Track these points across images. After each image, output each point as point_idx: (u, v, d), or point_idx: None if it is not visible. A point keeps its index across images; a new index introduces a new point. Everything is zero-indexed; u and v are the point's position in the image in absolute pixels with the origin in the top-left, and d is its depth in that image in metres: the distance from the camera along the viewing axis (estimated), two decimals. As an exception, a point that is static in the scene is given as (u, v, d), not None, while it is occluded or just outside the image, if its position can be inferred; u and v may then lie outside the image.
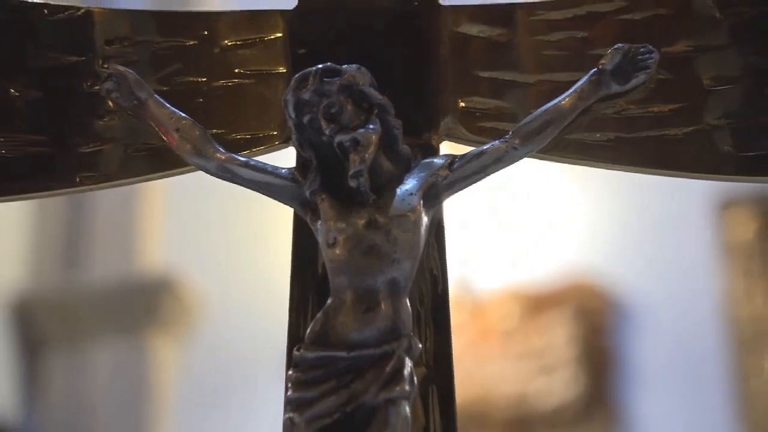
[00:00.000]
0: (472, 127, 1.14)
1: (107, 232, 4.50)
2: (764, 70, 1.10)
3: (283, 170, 1.10)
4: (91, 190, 1.15)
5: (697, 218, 4.11)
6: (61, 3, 1.17)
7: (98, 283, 4.45)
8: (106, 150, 1.13)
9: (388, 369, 1.02)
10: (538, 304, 4.15)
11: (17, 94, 1.14)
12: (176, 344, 4.38)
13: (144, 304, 4.37)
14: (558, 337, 4.10)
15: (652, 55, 1.10)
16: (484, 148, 1.10)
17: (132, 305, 4.38)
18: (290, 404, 1.03)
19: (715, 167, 1.10)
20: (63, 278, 4.50)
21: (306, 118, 1.06)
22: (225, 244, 4.39)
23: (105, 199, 4.39)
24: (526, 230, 4.21)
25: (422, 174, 1.08)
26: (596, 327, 4.11)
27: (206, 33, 1.17)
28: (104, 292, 4.42)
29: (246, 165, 1.10)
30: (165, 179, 1.18)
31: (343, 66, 1.06)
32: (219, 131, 1.13)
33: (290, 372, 1.04)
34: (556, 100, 1.10)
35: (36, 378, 4.34)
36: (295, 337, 1.08)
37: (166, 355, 4.37)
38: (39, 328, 4.38)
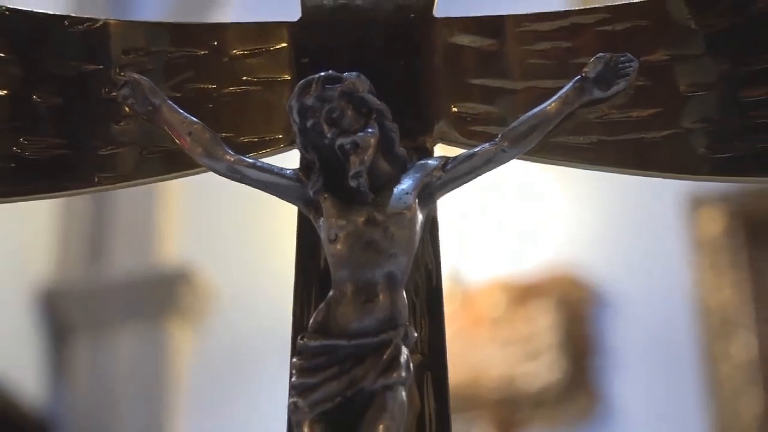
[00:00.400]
0: (464, 130, 1.13)
1: (128, 228, 4.52)
2: (737, 77, 1.09)
3: (288, 171, 1.09)
4: (108, 189, 1.14)
5: (670, 216, 4.11)
6: (80, 15, 1.16)
7: (120, 275, 4.46)
8: (123, 152, 1.13)
9: (385, 356, 1.01)
10: (523, 295, 4.15)
11: (40, 100, 1.13)
12: (192, 331, 4.39)
13: (162, 295, 4.38)
14: (542, 325, 4.10)
15: (632, 64, 1.09)
16: (475, 150, 1.09)
17: (151, 295, 4.39)
18: (294, 389, 1.02)
19: (692, 168, 1.09)
20: (88, 270, 4.51)
21: (309, 123, 1.05)
22: (236, 240, 4.39)
23: (126, 197, 4.40)
24: (513, 227, 4.21)
25: (417, 174, 1.08)
26: (577, 315, 4.11)
27: (216, 43, 1.16)
28: (126, 283, 4.43)
29: (253, 166, 1.09)
30: (181, 179, 1.17)
31: (344, 74, 1.06)
32: (228, 134, 1.12)
33: (294, 359, 1.03)
34: (542, 106, 1.09)
35: (63, 363, 4.35)
36: (299, 327, 1.07)
37: (183, 341, 4.37)
38: (65, 316, 4.39)
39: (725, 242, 4.08)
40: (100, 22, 1.15)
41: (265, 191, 1.10)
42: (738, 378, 3.93)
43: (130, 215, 4.51)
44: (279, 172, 1.08)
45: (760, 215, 4.10)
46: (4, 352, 4.08)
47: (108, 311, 4.40)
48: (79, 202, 4.41)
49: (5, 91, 1.13)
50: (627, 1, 1.13)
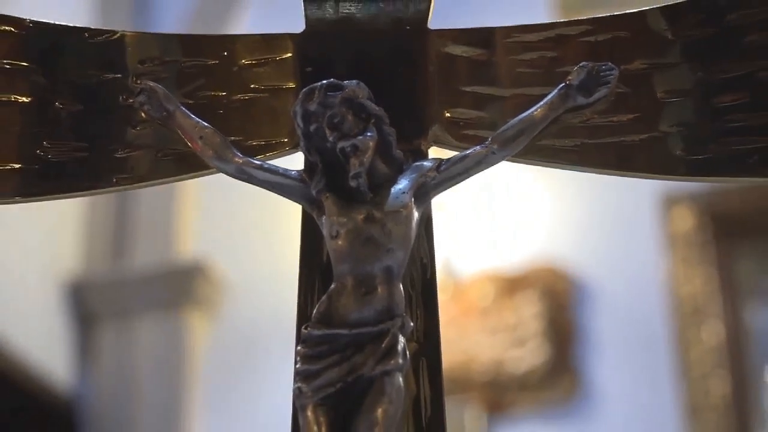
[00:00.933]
0: (456, 134, 1.11)
1: (149, 224, 4.51)
2: (711, 84, 1.08)
3: (293, 172, 1.07)
4: (126, 190, 1.13)
5: (645, 214, 4.11)
6: (105, 25, 1.14)
7: (141, 268, 4.46)
8: (139, 155, 1.11)
9: (384, 345, 1.00)
10: (510, 286, 4.15)
11: (62, 106, 1.11)
12: (207, 320, 4.39)
13: (180, 286, 4.37)
14: (527, 314, 4.09)
15: (613, 72, 1.08)
16: (467, 152, 1.08)
17: (170, 287, 4.39)
18: (298, 375, 1.00)
19: (669, 169, 1.08)
20: (111, 264, 4.51)
21: (312, 127, 1.04)
22: (247, 236, 4.39)
23: (147, 196, 4.40)
24: (501, 224, 4.20)
25: (413, 175, 1.06)
26: (560, 305, 4.10)
27: (225, 53, 1.14)
28: (146, 276, 4.43)
29: (260, 168, 1.07)
30: (197, 180, 1.15)
31: (345, 82, 1.05)
32: (237, 138, 1.10)
33: (299, 347, 1.02)
34: (529, 111, 1.08)
35: (88, 349, 4.34)
36: (303, 317, 1.06)
37: (198, 329, 4.37)
38: (91, 306, 4.38)
39: (695, 238, 4.08)
40: (118, 34, 1.14)
41: (272, 191, 1.08)
42: (707, 362, 3.92)
43: (150, 213, 4.50)
44: (284, 173, 1.07)
45: (727, 213, 4.10)
46: (35, 339, 4.08)
47: (130, 302, 4.40)
48: (103, 201, 4.41)
49: (29, 98, 1.11)
50: (609, 14, 1.11)
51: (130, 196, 4.38)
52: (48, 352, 4.17)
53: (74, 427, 4.19)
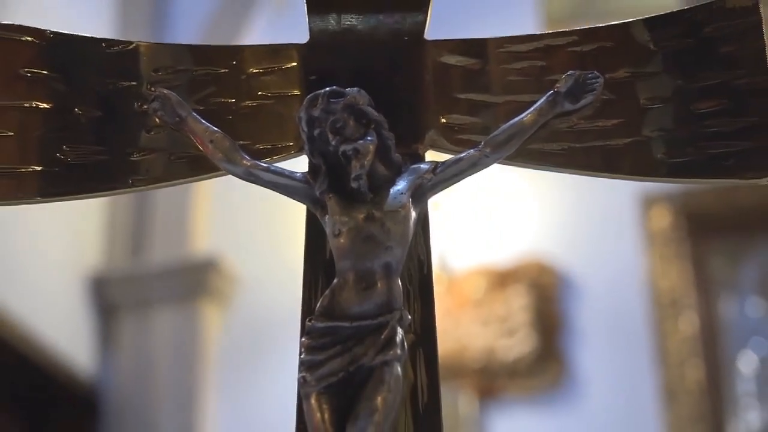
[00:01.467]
0: (451, 139, 1.10)
1: (165, 223, 4.50)
2: (690, 92, 1.06)
3: (298, 174, 1.06)
4: (141, 190, 1.11)
5: (626, 212, 4.09)
6: (124, 35, 1.12)
7: (158, 263, 4.45)
8: (153, 158, 1.09)
9: (383, 336, 0.99)
10: (501, 280, 4.13)
11: (81, 112, 1.10)
12: (219, 311, 4.37)
13: (194, 280, 4.36)
14: (516, 306, 4.07)
15: (598, 80, 1.07)
16: (462, 155, 1.06)
17: (185, 281, 4.37)
18: (303, 365, 0.99)
19: (651, 171, 1.07)
20: (131, 259, 4.49)
21: (316, 132, 1.03)
22: (256, 234, 4.37)
23: (163, 196, 4.39)
24: (492, 222, 4.19)
25: (411, 177, 1.05)
26: (547, 298, 4.09)
27: (234, 63, 1.13)
28: (163, 270, 4.41)
29: (267, 170, 1.06)
30: (209, 181, 1.14)
31: (346, 89, 1.03)
32: (245, 142, 1.09)
33: (303, 339, 1.00)
34: (519, 117, 1.07)
35: (110, 339, 4.33)
36: (307, 310, 1.04)
37: (212, 320, 4.35)
38: (112, 298, 4.37)
39: (672, 236, 4.07)
40: (133, 44, 1.12)
41: (278, 192, 1.07)
42: (683, 350, 3.91)
43: (167, 212, 4.49)
44: (290, 175, 1.06)
45: (701, 212, 4.09)
46: (60, 329, 4.07)
47: (148, 294, 4.38)
48: (123, 200, 4.39)
49: (50, 105, 1.09)
50: (594, 26, 1.09)
51: (148, 196, 4.37)
52: (72, 341, 4.16)
53: (97, 410, 4.18)
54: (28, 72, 1.09)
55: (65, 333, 4.13)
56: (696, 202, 4.07)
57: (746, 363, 3.94)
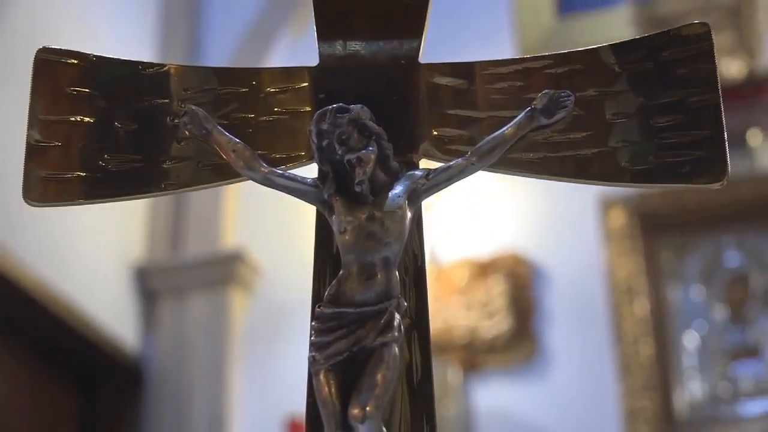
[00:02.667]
0: (442, 149, 1.07)
1: (199, 220, 4.46)
2: (650, 108, 1.03)
3: (309, 179, 1.03)
4: (172, 194, 1.08)
5: (588, 213, 4.06)
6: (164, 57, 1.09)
7: (193, 255, 4.40)
8: (183, 165, 1.06)
9: (382, 321, 0.96)
10: (482, 270, 4.09)
11: (120, 126, 1.07)
12: (245, 297, 4.34)
13: (224, 270, 4.32)
14: (495, 292, 4.04)
15: (570, 98, 1.03)
16: (451, 164, 1.04)
17: (216, 270, 4.33)
18: (313, 346, 0.97)
19: (616, 177, 1.03)
20: (169, 251, 4.45)
21: (325, 143, 1.00)
22: (276, 231, 4.33)
23: (197, 197, 4.35)
24: (475, 220, 4.15)
25: (407, 182, 1.02)
26: (521, 285, 4.05)
27: (254, 83, 1.09)
28: (197, 261, 4.38)
29: (282, 176, 1.03)
30: (237, 185, 1.13)
31: (351, 106, 1.01)
32: (263, 152, 1.05)
33: (313, 323, 0.98)
34: (501, 130, 1.03)
35: (151, 320, 4.30)
36: (317, 298, 1.01)
37: (238, 304, 4.32)
38: (153, 285, 4.33)
39: (627, 233, 4.04)
40: (166, 67, 1.09)
41: (292, 195, 1.04)
42: (636, 329, 3.88)
43: (200, 211, 4.45)
44: (302, 181, 1.03)
45: (651, 213, 4.06)
46: (109, 312, 4.04)
47: (184, 282, 4.34)
48: (163, 201, 4.35)
49: (93, 119, 1.06)
50: (567, 50, 1.06)
51: (184, 197, 4.33)
52: (119, 321, 4.13)
53: (141, 381, 4.15)
54: (73, 90, 1.06)
55: (113, 314, 4.10)
56: (647, 205, 4.04)
57: (690, 340, 3.91)
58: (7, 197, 3.14)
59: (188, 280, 4.34)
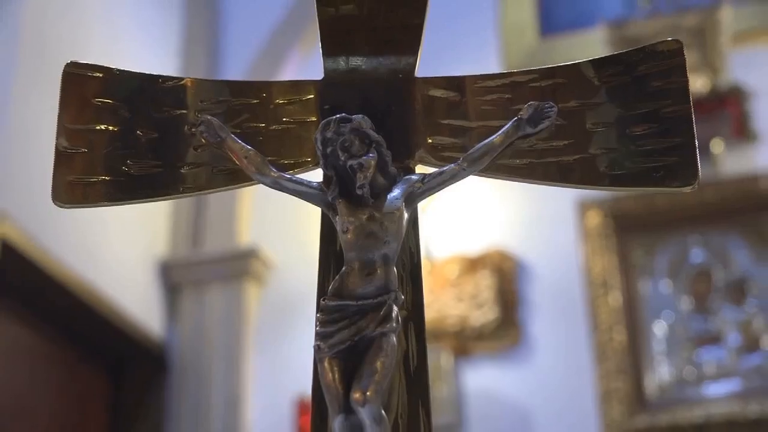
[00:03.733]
0: (436, 155, 1.05)
1: (217, 219, 4.43)
2: (627, 118, 1.01)
3: (314, 183, 1.02)
4: (189, 196, 1.05)
5: (567, 213, 4.04)
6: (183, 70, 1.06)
7: (212, 251, 4.38)
8: (199, 170, 1.04)
9: (382, 312, 0.94)
10: (471, 265, 4.07)
11: (141, 134, 1.05)
12: (259, 290, 4.31)
13: (240, 265, 4.30)
14: (483, 285, 4.01)
15: (553, 109, 1.02)
16: (444, 169, 1.02)
17: (232, 264, 4.31)
18: (318, 336, 0.95)
19: (596, 182, 1.01)
20: (190, 247, 4.42)
21: (329, 150, 0.98)
22: (287, 230, 4.31)
23: (215, 198, 4.33)
24: (466, 220, 4.13)
25: (404, 186, 1.00)
26: (506, 279, 4.03)
27: (264, 95, 1.08)
28: (215, 256, 4.35)
29: (290, 180, 1.02)
30: (252, 188, 1.09)
31: (353, 116, 0.99)
32: (273, 158, 1.03)
33: (318, 314, 0.96)
34: (490, 138, 1.02)
35: (174, 310, 4.27)
36: (321, 291, 0.99)
37: (252, 297, 4.29)
38: (176, 279, 4.30)
39: (602, 232, 4.02)
40: (183, 80, 1.07)
41: (299, 197, 1.02)
42: (611, 318, 3.86)
43: (218, 211, 4.42)
44: (308, 184, 1.01)
45: (624, 214, 4.04)
46: (136, 303, 4.01)
47: (204, 276, 4.31)
48: (184, 202, 4.32)
49: (117, 128, 1.04)
50: (551, 65, 1.03)
51: (203, 199, 4.31)
52: (146, 312, 4.10)
53: (164, 366, 4.12)
54: (98, 101, 1.04)
55: (140, 305, 4.07)
56: (621, 206, 4.02)
57: (659, 329, 3.89)
58: (43, 199, 3.12)
59: (207, 274, 4.32)
